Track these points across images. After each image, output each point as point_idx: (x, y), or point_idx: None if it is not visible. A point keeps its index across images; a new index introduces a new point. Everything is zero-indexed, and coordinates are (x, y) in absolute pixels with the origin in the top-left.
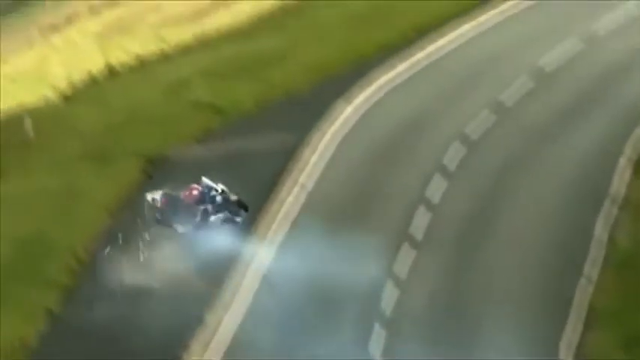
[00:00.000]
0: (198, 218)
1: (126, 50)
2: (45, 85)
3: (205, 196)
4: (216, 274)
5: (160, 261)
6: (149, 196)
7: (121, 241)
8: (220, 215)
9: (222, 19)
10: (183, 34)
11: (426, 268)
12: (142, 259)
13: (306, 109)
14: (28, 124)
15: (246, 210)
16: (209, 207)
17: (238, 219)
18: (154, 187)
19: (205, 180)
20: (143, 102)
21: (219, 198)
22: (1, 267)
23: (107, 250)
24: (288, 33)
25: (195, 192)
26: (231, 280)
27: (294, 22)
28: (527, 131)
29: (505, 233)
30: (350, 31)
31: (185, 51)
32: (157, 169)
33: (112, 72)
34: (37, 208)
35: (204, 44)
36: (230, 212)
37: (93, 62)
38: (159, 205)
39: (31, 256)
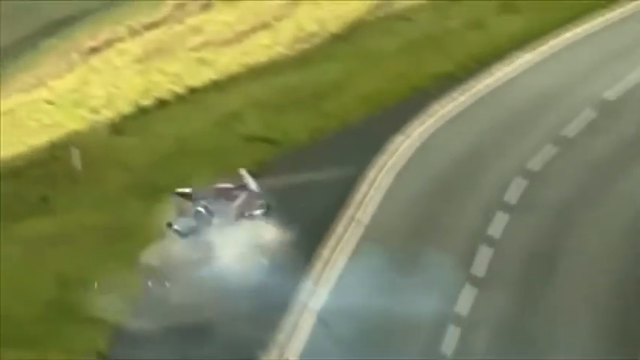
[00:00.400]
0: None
1: (167, 73)
2: (85, 108)
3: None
4: (271, 312)
5: (209, 297)
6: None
7: (167, 277)
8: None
9: (264, 41)
10: (225, 57)
11: (489, 307)
12: (189, 294)
13: (362, 141)
14: (75, 155)
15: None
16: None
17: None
18: None
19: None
20: (193, 134)
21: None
22: (47, 305)
23: (153, 284)
24: (341, 62)
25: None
26: (286, 319)
27: (347, 49)
28: (591, 164)
29: (570, 270)
30: (406, 61)
31: (234, 79)
32: None
33: (160, 101)
34: (84, 245)
35: (254, 72)
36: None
37: (133, 85)
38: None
39: (78, 294)
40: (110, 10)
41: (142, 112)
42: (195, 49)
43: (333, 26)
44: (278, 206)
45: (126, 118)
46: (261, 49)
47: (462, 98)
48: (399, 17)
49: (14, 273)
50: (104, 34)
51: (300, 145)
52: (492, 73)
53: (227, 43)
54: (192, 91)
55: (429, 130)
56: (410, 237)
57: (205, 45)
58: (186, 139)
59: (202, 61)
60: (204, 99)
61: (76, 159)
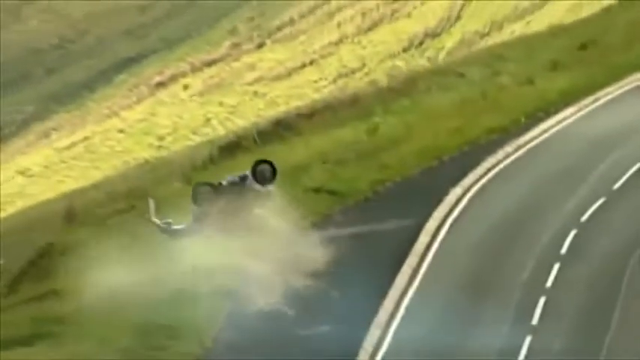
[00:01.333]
0: None
1: (225, 105)
2: (153, 136)
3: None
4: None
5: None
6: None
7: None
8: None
9: (312, 76)
10: (277, 90)
11: (549, 356)
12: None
13: (421, 193)
14: (151, 205)
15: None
16: None
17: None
18: None
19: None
20: None
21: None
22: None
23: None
24: (399, 116)
25: None
26: None
27: (404, 104)
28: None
29: (625, 320)
30: (461, 116)
31: (299, 131)
32: None
33: (228, 151)
34: (161, 301)
35: (318, 124)
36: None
37: (195, 116)
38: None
39: (154, 346)
40: (174, 49)
41: (211, 161)
42: (250, 83)
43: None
44: (341, 257)
45: (195, 168)
46: (309, 83)
47: (514, 151)
48: (453, 72)
49: None
50: (169, 70)
51: (362, 196)
52: (542, 127)
53: (278, 78)
54: (259, 142)
55: (484, 182)
56: (466, 288)
57: (259, 80)
58: None
59: (256, 94)
60: (271, 151)
61: (151, 209)
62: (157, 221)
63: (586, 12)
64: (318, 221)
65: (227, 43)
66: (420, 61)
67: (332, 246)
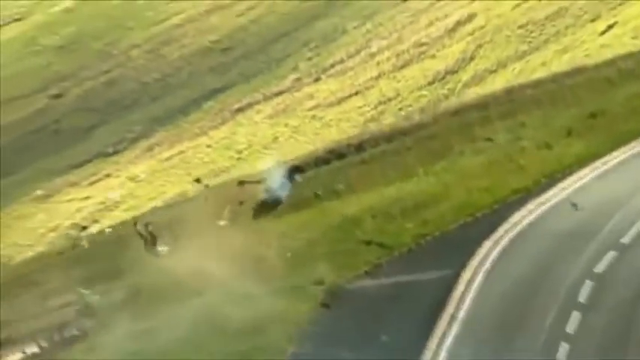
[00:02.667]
0: None
1: (289, 126)
2: (233, 150)
3: None
4: None
5: None
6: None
7: None
8: None
9: (357, 103)
10: (330, 115)
11: None
12: None
13: (457, 245)
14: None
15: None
16: None
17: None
18: (332, 317)
19: None
20: (320, 235)
21: None
22: None
23: None
24: (437, 176)
25: None
26: None
27: (441, 166)
28: None
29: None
30: (490, 177)
31: (353, 189)
32: (334, 299)
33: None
34: (227, 332)
35: (370, 182)
36: None
37: (266, 135)
38: None
39: None
40: (250, 82)
41: (279, 215)
42: (309, 109)
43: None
44: (389, 303)
45: (259, 211)
46: (355, 109)
47: (535, 208)
48: (481, 138)
49: None
50: (246, 99)
51: (406, 248)
52: (560, 186)
53: (331, 105)
54: (319, 197)
55: (511, 236)
56: (500, 330)
57: (316, 107)
58: (314, 240)
59: (314, 118)
60: (328, 206)
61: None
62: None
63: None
64: (370, 270)
65: (291, 78)
66: (441, 92)
67: (382, 293)
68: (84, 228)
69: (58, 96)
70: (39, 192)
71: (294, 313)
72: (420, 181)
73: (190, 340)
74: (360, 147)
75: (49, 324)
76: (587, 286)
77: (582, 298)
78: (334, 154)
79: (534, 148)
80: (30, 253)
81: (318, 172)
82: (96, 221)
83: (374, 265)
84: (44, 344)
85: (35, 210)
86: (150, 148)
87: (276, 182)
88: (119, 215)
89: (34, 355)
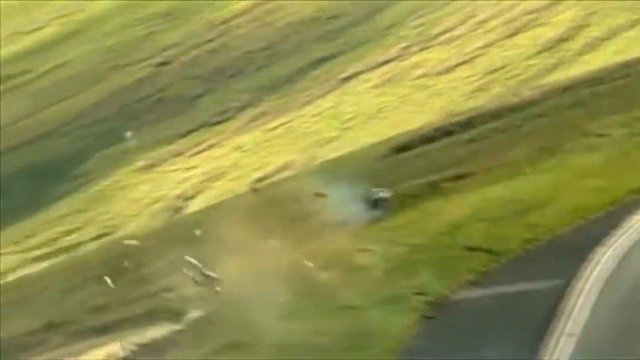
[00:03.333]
0: None
1: (395, 95)
2: (338, 120)
3: None
4: None
5: None
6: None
7: None
8: None
9: (464, 73)
10: (439, 84)
11: None
12: None
13: (568, 252)
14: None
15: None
16: None
17: None
18: (435, 331)
19: None
20: (423, 241)
21: None
22: None
23: None
24: (548, 174)
25: None
26: None
27: (553, 163)
28: None
29: None
30: (605, 176)
31: (455, 188)
32: (437, 311)
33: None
34: (326, 348)
35: (472, 182)
36: None
37: (371, 105)
38: None
39: None
40: (356, 51)
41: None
42: (415, 78)
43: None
44: (497, 314)
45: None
46: (462, 79)
47: None
48: (594, 133)
49: None
50: (352, 68)
51: (514, 255)
52: None
53: (439, 74)
54: (411, 197)
55: (628, 241)
56: (617, 347)
57: (423, 76)
58: (415, 248)
59: (421, 87)
60: (429, 207)
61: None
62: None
63: None
64: (475, 279)
65: (398, 47)
66: (550, 61)
67: (487, 304)
68: (190, 198)
69: (163, 64)
70: (142, 162)
71: (396, 327)
72: (528, 179)
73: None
74: (467, 124)
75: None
76: None
77: None
78: (441, 132)
79: None
80: (134, 224)
81: (425, 151)
82: (200, 192)
83: (479, 273)
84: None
85: (139, 180)
86: (255, 118)
87: (345, 203)
88: (224, 185)
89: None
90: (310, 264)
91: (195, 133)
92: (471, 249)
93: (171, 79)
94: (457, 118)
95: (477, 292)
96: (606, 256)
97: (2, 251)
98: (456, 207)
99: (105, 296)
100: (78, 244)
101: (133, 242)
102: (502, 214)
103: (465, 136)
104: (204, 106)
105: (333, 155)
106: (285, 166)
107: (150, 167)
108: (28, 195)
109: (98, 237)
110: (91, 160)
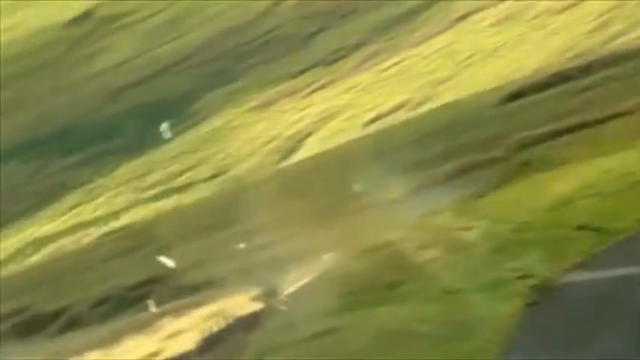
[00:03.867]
0: None
1: (510, 34)
2: (453, 60)
3: None
4: None
5: None
6: None
7: None
8: None
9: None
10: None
11: None
12: None
13: None
14: None
15: None
16: None
17: None
18: (541, 318)
19: None
20: (528, 218)
21: None
22: None
23: None
24: None
25: None
26: None
27: None
28: None
29: None
30: None
31: (566, 158)
32: (543, 295)
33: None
34: (425, 335)
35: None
36: None
37: (487, 44)
38: None
39: None
40: None
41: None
42: (533, 17)
43: None
44: (603, 304)
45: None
46: (580, 18)
47: None
48: None
49: None
50: (468, 6)
51: (627, 234)
52: None
53: (555, 13)
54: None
55: None
56: None
57: (540, 14)
58: (522, 226)
59: (537, 27)
60: (537, 179)
61: None
62: None
63: None
64: (584, 261)
65: None
66: None
67: (597, 290)
68: (304, 138)
69: (276, 4)
70: (255, 102)
71: (499, 314)
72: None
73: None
74: (585, 69)
75: None
76: None
77: None
78: (558, 77)
79: None
80: (246, 164)
81: (540, 98)
82: (314, 132)
83: (588, 254)
84: None
85: (252, 120)
86: (368, 58)
87: None
88: (337, 125)
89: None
90: (408, 244)
91: (307, 73)
92: (578, 228)
93: (285, 18)
94: (575, 62)
95: (586, 276)
96: None
97: (116, 191)
98: (564, 180)
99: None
100: (191, 184)
101: (169, 263)
102: (614, 189)
103: (582, 82)
104: (317, 45)
105: (447, 96)
106: (399, 106)
107: (263, 107)
108: (140, 134)
109: (212, 177)
110: (202, 100)
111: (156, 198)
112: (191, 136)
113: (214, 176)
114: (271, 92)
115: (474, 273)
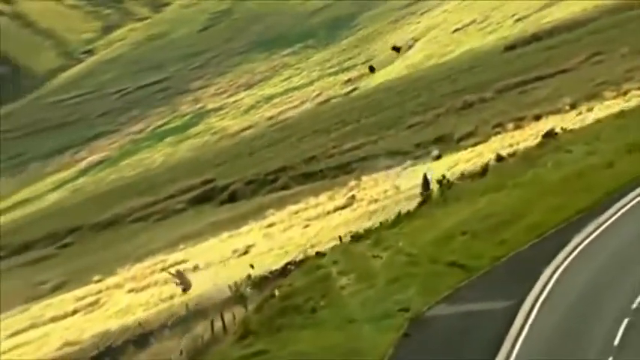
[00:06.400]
0: None
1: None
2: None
3: None
4: None
5: None
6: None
7: None
8: None
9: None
10: None
11: None
12: None
13: (525, 270)
14: None
15: None
16: None
17: None
18: (411, 347)
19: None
20: (418, 252)
21: None
22: None
23: None
24: (522, 190)
25: None
26: None
27: (529, 177)
28: None
29: None
30: (561, 195)
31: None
32: (414, 327)
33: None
34: None
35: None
36: None
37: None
38: None
39: None
40: None
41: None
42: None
43: None
44: (457, 337)
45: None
46: None
47: (594, 230)
48: (564, 149)
49: None
50: None
51: (482, 271)
52: (617, 207)
53: None
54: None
55: (569, 261)
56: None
57: None
58: (413, 258)
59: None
60: (433, 214)
61: None
62: None
63: None
64: (448, 296)
65: None
66: None
67: (453, 323)
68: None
69: None
70: (391, 19)
71: (381, 344)
72: (510, 194)
73: None
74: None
75: None
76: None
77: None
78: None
79: (602, 165)
80: (383, 56)
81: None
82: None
83: (453, 288)
84: None
85: (389, 29)
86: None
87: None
88: (435, 33)
89: None
90: (333, 270)
91: (416, 5)
92: (450, 264)
93: None
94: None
95: (447, 310)
96: (551, 275)
97: (310, 70)
98: (454, 215)
99: None
100: (354, 66)
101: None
102: (483, 228)
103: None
104: None
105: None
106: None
107: (394, 22)
108: (326, 37)
109: (365, 62)
110: (360, 17)
111: (335, 74)
112: (354, 38)
113: (366, 61)
114: (401, 12)
115: (371, 303)
